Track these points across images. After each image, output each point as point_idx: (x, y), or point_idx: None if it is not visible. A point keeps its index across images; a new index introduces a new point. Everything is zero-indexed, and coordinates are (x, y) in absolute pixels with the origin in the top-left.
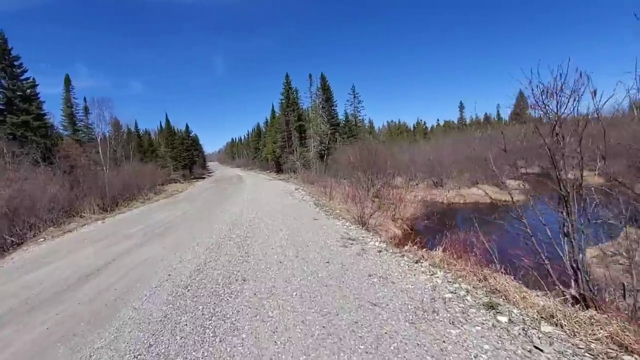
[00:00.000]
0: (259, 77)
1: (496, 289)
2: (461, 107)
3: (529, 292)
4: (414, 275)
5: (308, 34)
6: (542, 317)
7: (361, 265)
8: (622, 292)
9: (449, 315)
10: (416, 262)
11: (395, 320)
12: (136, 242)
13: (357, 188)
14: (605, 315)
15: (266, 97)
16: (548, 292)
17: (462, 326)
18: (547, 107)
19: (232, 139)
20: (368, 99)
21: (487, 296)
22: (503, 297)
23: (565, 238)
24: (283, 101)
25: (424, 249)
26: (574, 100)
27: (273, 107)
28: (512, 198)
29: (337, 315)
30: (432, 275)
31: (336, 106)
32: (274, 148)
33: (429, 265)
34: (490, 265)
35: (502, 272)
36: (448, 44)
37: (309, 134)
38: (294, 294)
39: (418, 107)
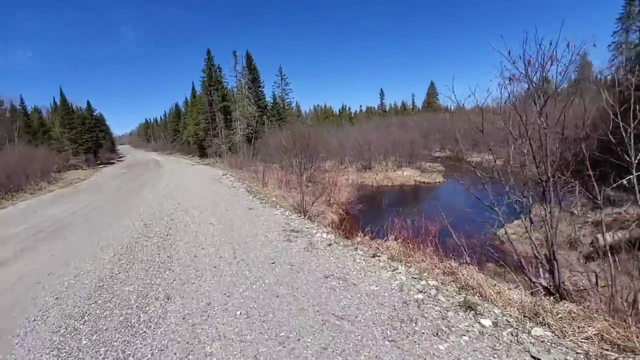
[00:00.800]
0: (176, 52)
1: (467, 284)
2: (382, 94)
3: (499, 285)
4: (375, 272)
5: (231, 8)
6: (525, 317)
7: (313, 264)
8: (595, 280)
9: (429, 324)
10: (373, 257)
11: (372, 339)
12: (14, 249)
13: (290, 173)
14: (582, 307)
15: (185, 75)
16: (518, 284)
17: (448, 338)
18: (531, 80)
19: (147, 120)
20: (295, 83)
21: (459, 293)
22: (477, 294)
23: (531, 225)
24: (205, 79)
25: (375, 239)
26: (568, 71)
27: (193, 85)
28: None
29: (299, 340)
30: (393, 271)
31: (263, 87)
32: (196, 130)
33: (388, 259)
34: (447, 254)
35: (466, 263)
36: (371, 32)
37: (235, 116)
38: (238, 312)
39: (343, 93)
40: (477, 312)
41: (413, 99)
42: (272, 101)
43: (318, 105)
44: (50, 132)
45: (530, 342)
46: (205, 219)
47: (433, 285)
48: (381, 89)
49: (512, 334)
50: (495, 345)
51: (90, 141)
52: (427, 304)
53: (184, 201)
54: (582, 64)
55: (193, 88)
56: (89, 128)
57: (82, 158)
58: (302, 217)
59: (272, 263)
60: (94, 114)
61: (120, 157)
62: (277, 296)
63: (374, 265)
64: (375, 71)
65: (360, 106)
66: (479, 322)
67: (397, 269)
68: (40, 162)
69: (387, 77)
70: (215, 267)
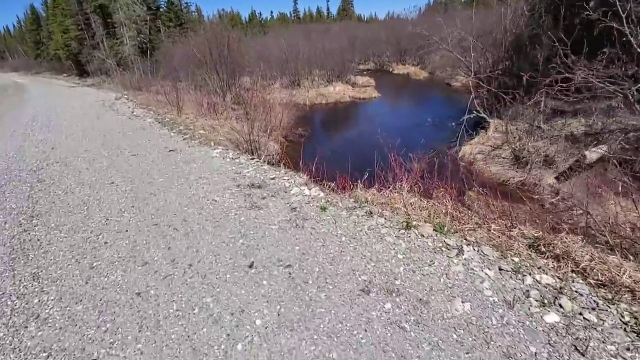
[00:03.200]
0: None
1: (613, 281)
2: None
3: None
4: (432, 264)
5: None
6: None
7: (322, 259)
8: None
9: None
10: (407, 228)
11: None
12: None
13: (210, 93)
14: None
15: None
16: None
17: None
18: None
19: None
20: None
21: (611, 302)
22: (626, 291)
23: None
24: None
25: (380, 191)
26: None
27: None
28: None
29: None
30: (457, 255)
31: None
32: (66, 40)
33: (434, 231)
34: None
35: (564, 231)
36: None
37: (119, 20)
38: None
39: None
40: None
41: (328, 5)
42: (166, 0)
43: (223, 9)
44: None
45: None
46: (102, 176)
47: (551, 286)
48: None
49: None
50: None
51: None
52: (582, 338)
53: (62, 144)
54: None
55: None
56: None
57: None
58: (256, 158)
59: (250, 266)
60: None
61: None
62: None
63: (418, 246)
64: None
65: (272, 12)
66: None
67: (461, 250)
68: None
69: None
70: (139, 294)
